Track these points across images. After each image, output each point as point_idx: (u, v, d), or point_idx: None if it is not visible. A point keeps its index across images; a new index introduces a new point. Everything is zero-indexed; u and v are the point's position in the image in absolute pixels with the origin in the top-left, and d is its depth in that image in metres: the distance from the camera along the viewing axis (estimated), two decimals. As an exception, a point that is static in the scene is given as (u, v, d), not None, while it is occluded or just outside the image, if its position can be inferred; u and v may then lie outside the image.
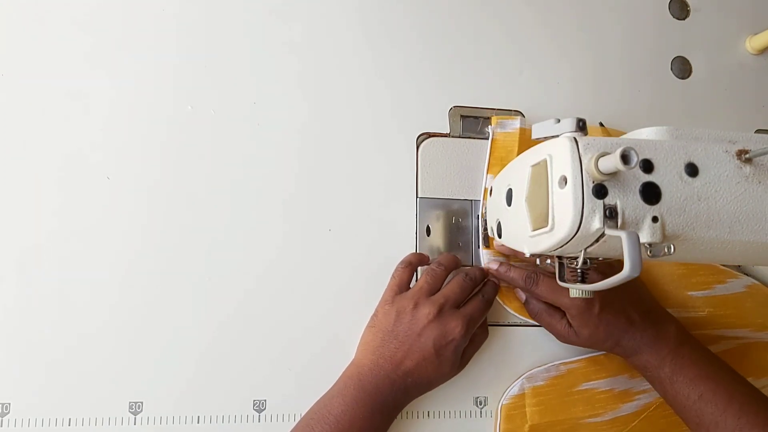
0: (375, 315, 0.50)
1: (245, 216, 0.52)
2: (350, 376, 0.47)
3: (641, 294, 0.52)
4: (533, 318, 0.53)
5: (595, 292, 0.48)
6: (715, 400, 0.46)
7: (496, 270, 0.52)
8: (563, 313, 0.50)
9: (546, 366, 0.53)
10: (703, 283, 0.56)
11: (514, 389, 0.52)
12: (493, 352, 0.54)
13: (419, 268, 0.53)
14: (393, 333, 0.48)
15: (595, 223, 0.36)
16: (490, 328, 0.53)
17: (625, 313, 0.50)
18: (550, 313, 0.51)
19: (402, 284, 0.51)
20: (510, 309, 0.54)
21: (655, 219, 0.36)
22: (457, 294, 0.49)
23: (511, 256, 0.54)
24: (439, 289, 0.50)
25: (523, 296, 0.53)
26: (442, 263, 0.51)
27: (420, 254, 0.53)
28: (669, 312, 0.52)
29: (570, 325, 0.50)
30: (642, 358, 0.49)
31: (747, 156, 0.38)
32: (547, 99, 0.59)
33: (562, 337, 0.51)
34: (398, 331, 0.47)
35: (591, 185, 0.36)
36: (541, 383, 0.52)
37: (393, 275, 0.52)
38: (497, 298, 0.53)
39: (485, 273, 0.53)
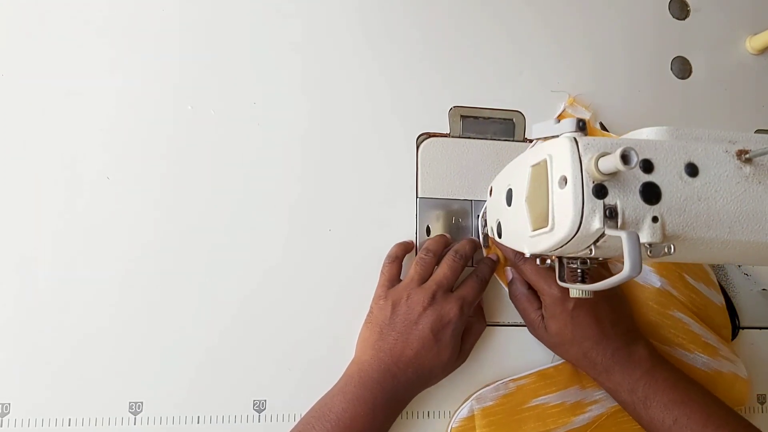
0: (370, 312, 0.50)
1: (245, 216, 0.52)
2: (351, 374, 0.47)
3: (621, 309, 0.51)
4: (513, 300, 0.53)
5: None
6: (690, 425, 0.45)
7: (492, 239, 0.52)
8: (540, 304, 0.50)
9: (495, 384, 0.52)
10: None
11: (464, 411, 0.51)
12: (493, 351, 0.54)
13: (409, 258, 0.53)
14: (390, 325, 0.48)
15: (595, 223, 0.36)
16: (493, 328, 0.53)
17: (599, 320, 0.48)
18: (529, 299, 0.51)
19: (392, 278, 0.51)
20: (503, 283, 0.54)
21: (655, 219, 0.36)
22: (449, 276, 0.49)
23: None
24: (430, 276, 0.50)
25: (509, 275, 0.53)
26: (430, 249, 0.51)
27: (404, 243, 0.53)
28: (642, 334, 0.51)
29: (543, 317, 0.50)
30: (613, 379, 0.48)
31: (747, 156, 0.38)
32: (547, 99, 0.59)
33: (532, 327, 0.52)
34: (395, 323, 0.48)
35: (591, 185, 0.36)
36: (491, 403, 0.51)
37: (382, 271, 0.52)
38: (495, 275, 0.54)
39: (475, 245, 0.53)
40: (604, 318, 0.49)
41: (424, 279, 0.50)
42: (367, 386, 0.46)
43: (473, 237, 0.55)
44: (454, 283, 0.50)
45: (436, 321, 0.47)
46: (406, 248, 0.53)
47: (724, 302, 0.57)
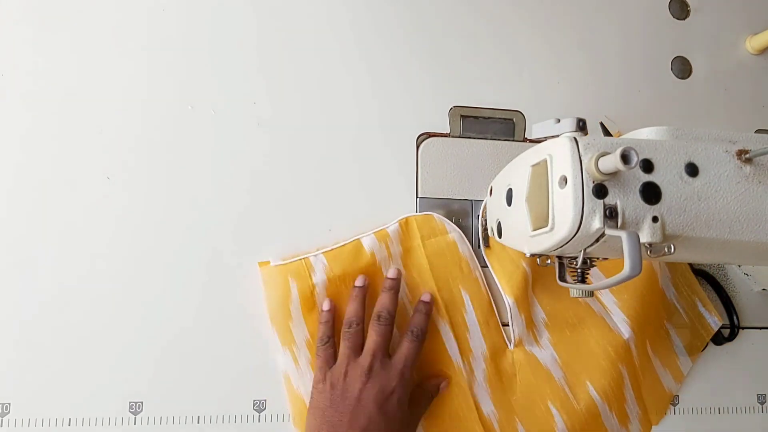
0: (311, 398, 0.47)
1: (245, 216, 0.52)
2: None
3: None
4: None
5: None
6: None
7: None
8: None
9: None
10: None
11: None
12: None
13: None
14: (332, 407, 0.45)
15: (595, 223, 0.36)
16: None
17: None
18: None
19: (328, 359, 0.48)
20: (509, 299, 0.53)
21: (655, 219, 0.36)
22: (379, 343, 0.47)
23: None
24: (362, 345, 0.48)
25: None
26: (352, 321, 0.48)
27: (328, 319, 0.49)
28: None
29: None
30: None
31: (747, 156, 0.38)
32: (547, 99, 0.60)
33: None
34: (336, 403, 0.45)
35: (591, 185, 0.36)
36: None
37: (316, 355, 0.49)
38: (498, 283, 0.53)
39: (394, 293, 0.50)
40: None
41: (357, 351, 0.47)
42: None
43: (390, 277, 0.51)
44: (387, 346, 0.48)
45: (379, 393, 0.45)
46: (334, 322, 0.50)
47: (672, 389, 0.56)
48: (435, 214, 0.54)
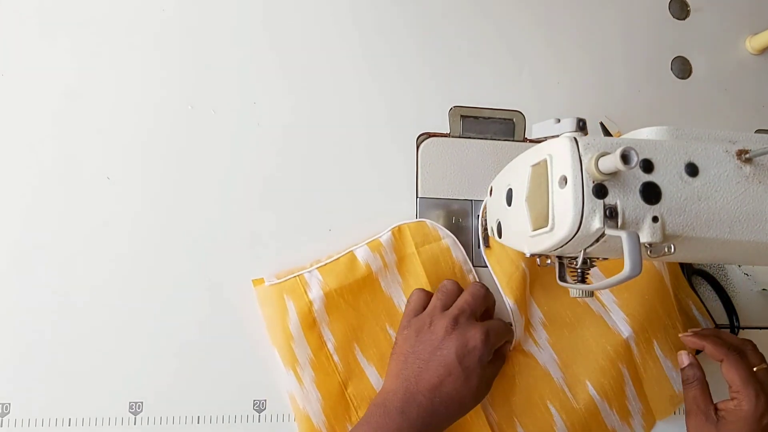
0: (395, 343, 0.49)
1: (246, 215, 0.52)
2: (376, 404, 0.45)
3: None
4: (685, 383, 0.50)
5: None
6: None
7: (690, 338, 0.50)
8: (711, 399, 0.48)
9: None
10: None
11: None
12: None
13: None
14: (414, 353, 0.46)
15: (595, 223, 0.36)
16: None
17: None
18: (704, 389, 0.48)
19: (417, 308, 0.50)
20: (509, 301, 0.53)
21: (655, 219, 0.36)
22: (471, 303, 0.48)
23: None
24: (452, 304, 0.49)
25: (686, 360, 0.50)
26: (451, 283, 0.50)
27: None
28: None
29: (717, 413, 0.47)
30: None
31: (747, 156, 0.38)
32: (547, 99, 0.59)
33: (697, 417, 0.48)
34: (419, 351, 0.46)
35: (591, 185, 0.36)
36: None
37: (408, 301, 0.51)
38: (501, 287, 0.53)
39: (493, 298, 0.52)
40: None
41: (446, 306, 0.49)
42: (391, 416, 0.44)
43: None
44: (476, 310, 0.49)
45: (461, 347, 0.45)
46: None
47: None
48: (427, 221, 0.54)
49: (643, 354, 0.55)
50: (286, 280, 0.50)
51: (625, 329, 0.54)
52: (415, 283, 0.53)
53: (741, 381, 0.46)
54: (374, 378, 0.50)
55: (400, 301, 0.52)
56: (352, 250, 0.52)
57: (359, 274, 0.51)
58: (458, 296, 0.50)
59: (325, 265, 0.51)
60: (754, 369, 0.47)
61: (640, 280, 0.54)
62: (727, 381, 0.47)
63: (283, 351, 0.49)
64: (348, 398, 0.50)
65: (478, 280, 0.54)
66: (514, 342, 0.53)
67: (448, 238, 0.54)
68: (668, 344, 0.55)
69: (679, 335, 0.52)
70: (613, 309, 0.55)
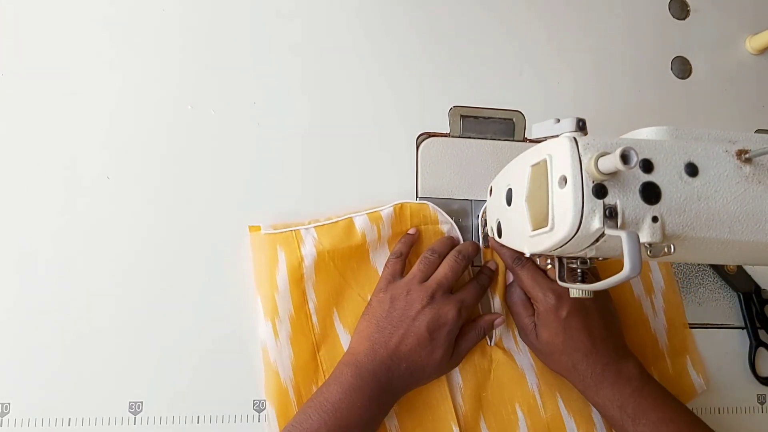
0: (369, 304, 0.50)
1: (245, 216, 0.52)
2: (346, 363, 0.47)
3: (612, 324, 0.51)
4: (509, 305, 0.53)
5: (566, 299, 0.48)
6: None
7: (492, 240, 0.53)
8: (534, 311, 0.51)
9: None
10: None
11: None
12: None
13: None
14: (387, 319, 0.48)
15: (595, 223, 0.36)
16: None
17: (590, 333, 0.48)
18: (524, 305, 0.51)
19: (395, 273, 0.51)
20: (495, 298, 0.53)
21: (655, 219, 0.36)
22: (449, 277, 0.50)
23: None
24: (432, 276, 0.50)
25: (509, 279, 0.53)
26: (436, 250, 0.52)
27: (410, 239, 0.53)
28: (631, 351, 0.51)
29: (535, 324, 0.50)
30: (603, 394, 0.48)
31: (747, 156, 0.38)
32: (547, 99, 0.59)
33: (524, 333, 0.52)
34: (392, 317, 0.48)
35: (591, 185, 0.36)
36: None
37: (386, 265, 0.52)
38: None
39: (477, 247, 0.53)
40: (596, 331, 0.49)
41: (426, 277, 0.50)
42: (362, 376, 0.46)
43: (475, 240, 0.55)
44: (453, 283, 0.50)
45: (433, 320, 0.47)
46: (412, 243, 0.53)
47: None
48: (431, 204, 0.54)
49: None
50: (281, 232, 0.51)
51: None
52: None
53: (529, 286, 0.50)
54: (347, 345, 0.51)
55: None
56: (351, 217, 0.52)
57: (353, 241, 0.52)
58: (438, 266, 0.51)
59: (322, 225, 0.52)
60: (548, 267, 0.50)
61: (627, 317, 0.55)
62: (528, 293, 0.51)
63: (266, 301, 0.50)
64: (318, 360, 0.50)
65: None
66: (495, 337, 0.53)
67: (446, 224, 0.54)
68: (661, 376, 0.55)
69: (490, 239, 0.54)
70: None
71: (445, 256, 0.52)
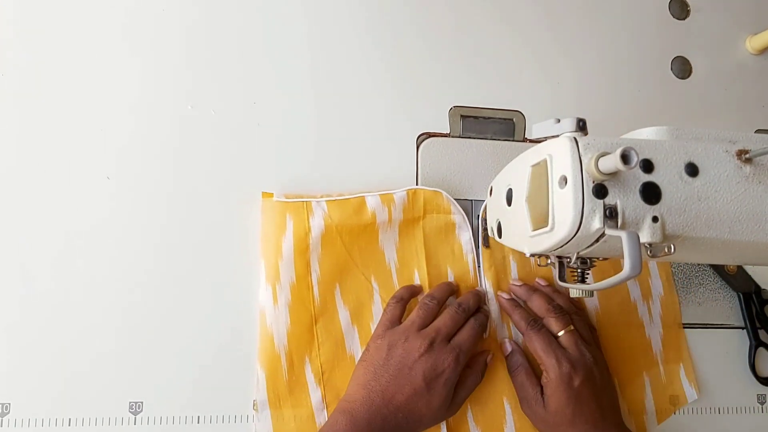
0: (366, 350, 0.49)
1: (245, 216, 0.52)
2: (342, 411, 0.46)
3: (614, 392, 0.51)
4: (511, 372, 0.52)
5: (580, 368, 0.47)
6: None
7: (506, 302, 0.52)
8: (539, 381, 0.49)
9: None
10: None
11: None
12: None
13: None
14: (384, 367, 0.47)
15: (595, 223, 0.36)
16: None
17: (601, 405, 0.48)
18: (529, 373, 0.50)
19: (394, 319, 0.50)
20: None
21: (655, 219, 0.36)
22: (449, 326, 0.49)
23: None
24: (431, 322, 0.49)
25: (509, 348, 0.52)
26: (435, 296, 0.51)
27: (411, 287, 0.52)
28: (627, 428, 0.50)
29: (542, 393, 0.49)
30: None
31: (747, 156, 0.38)
32: (547, 99, 0.59)
33: (528, 403, 0.50)
34: (389, 365, 0.47)
35: (591, 185, 0.36)
36: None
37: (385, 310, 0.51)
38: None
39: (479, 299, 0.52)
40: (604, 401, 0.48)
41: (424, 324, 0.49)
42: (358, 425, 0.45)
43: (479, 289, 0.54)
44: (452, 333, 0.49)
45: (430, 370, 0.46)
46: (414, 292, 0.52)
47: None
48: (444, 193, 0.54)
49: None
50: (293, 201, 0.51)
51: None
52: (409, 248, 0.53)
53: (541, 352, 0.49)
54: (345, 321, 0.51)
55: (390, 259, 0.53)
56: (363, 195, 0.52)
57: (363, 220, 0.52)
58: (437, 312, 0.50)
59: (334, 200, 0.52)
60: (559, 334, 0.49)
61: (621, 322, 0.55)
62: (539, 359, 0.49)
63: (269, 265, 0.50)
64: (315, 333, 0.50)
65: (477, 262, 0.54)
66: (489, 329, 0.53)
67: (458, 215, 0.54)
68: (629, 389, 0.55)
69: (511, 284, 0.54)
70: None
71: (443, 302, 0.51)
